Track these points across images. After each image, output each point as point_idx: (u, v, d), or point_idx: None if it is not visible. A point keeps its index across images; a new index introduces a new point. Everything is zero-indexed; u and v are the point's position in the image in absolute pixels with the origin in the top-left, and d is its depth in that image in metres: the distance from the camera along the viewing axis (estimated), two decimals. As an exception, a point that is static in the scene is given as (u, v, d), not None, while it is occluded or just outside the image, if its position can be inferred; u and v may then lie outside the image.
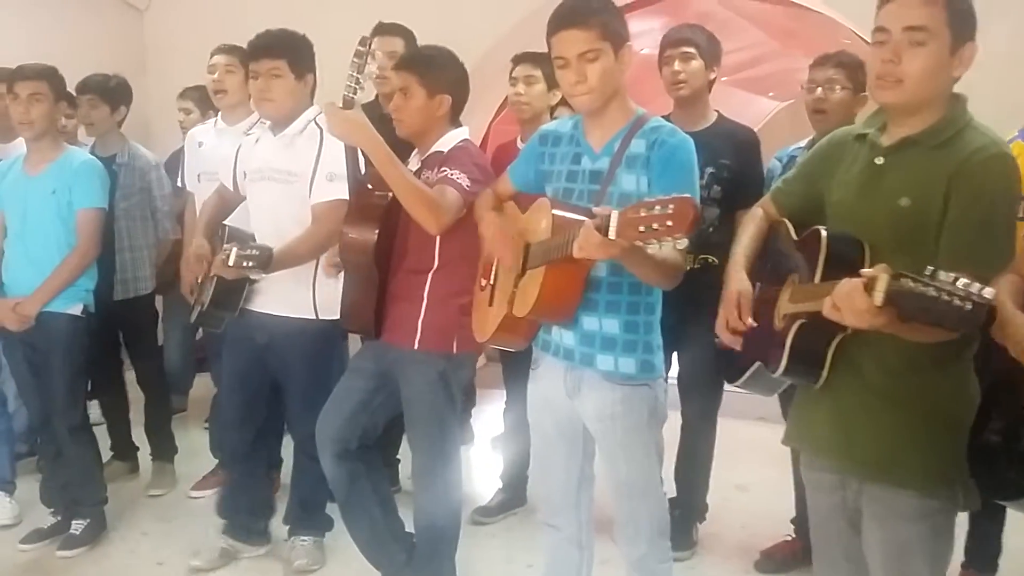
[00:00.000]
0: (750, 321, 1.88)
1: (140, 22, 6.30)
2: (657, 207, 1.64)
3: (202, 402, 4.88)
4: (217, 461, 3.91)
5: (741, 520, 3.60)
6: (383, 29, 3.55)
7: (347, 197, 2.84)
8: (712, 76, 3.11)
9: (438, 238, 2.56)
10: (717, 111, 3.19)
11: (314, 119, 2.94)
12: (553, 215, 2.05)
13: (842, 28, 4.89)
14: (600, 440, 2.20)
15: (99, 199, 3.23)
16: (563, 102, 3.66)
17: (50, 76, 3.15)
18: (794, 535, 3.21)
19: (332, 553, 3.24)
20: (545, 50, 2.14)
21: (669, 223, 1.62)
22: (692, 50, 3.04)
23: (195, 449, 4.21)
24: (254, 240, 2.89)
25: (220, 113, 3.72)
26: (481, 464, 4.19)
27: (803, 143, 3.08)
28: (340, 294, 2.95)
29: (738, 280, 1.95)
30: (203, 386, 5.00)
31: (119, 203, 3.61)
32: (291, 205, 2.90)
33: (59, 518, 3.40)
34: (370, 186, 2.59)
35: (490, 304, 2.34)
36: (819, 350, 1.69)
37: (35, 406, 3.32)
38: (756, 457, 4.13)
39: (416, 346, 2.62)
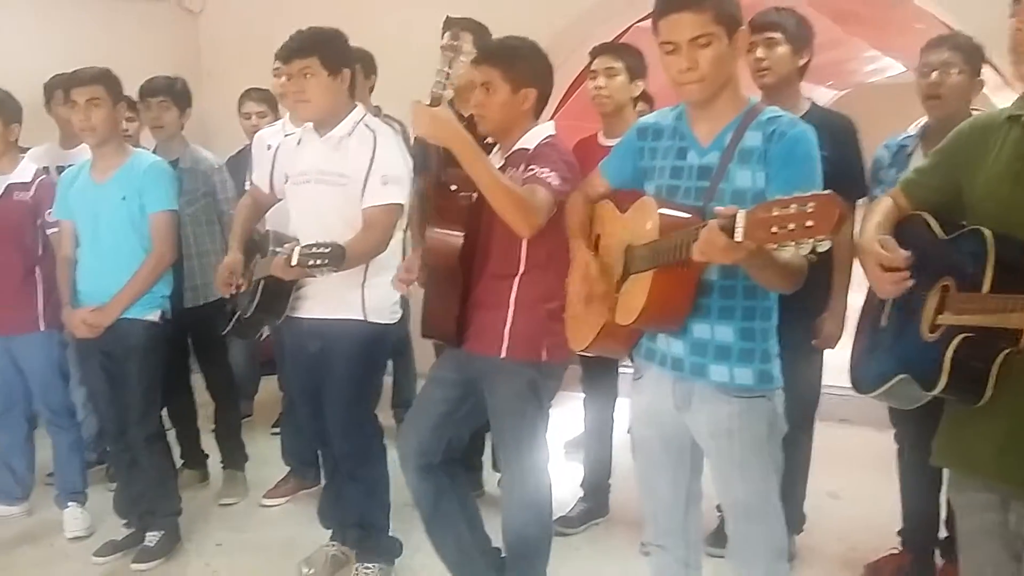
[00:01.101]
0: (904, 254, 1.70)
1: (195, 25, 6.28)
2: (793, 205, 1.48)
3: (267, 407, 4.83)
4: (289, 469, 3.84)
5: (838, 530, 3.41)
6: (451, 23, 3.41)
7: (402, 202, 2.78)
8: (802, 62, 2.92)
9: (524, 240, 2.43)
10: (810, 99, 3.00)
11: (362, 120, 2.85)
12: (660, 215, 1.90)
13: (916, 10, 4.63)
14: (714, 458, 2.05)
15: (170, 201, 3.15)
16: (643, 96, 3.52)
17: (106, 79, 3.07)
18: (901, 548, 3.01)
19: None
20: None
21: (809, 223, 1.46)
22: (777, 35, 2.86)
23: (263, 456, 4.13)
24: (299, 243, 2.78)
25: (288, 115, 3.63)
26: (557, 470, 4.04)
27: (912, 130, 2.88)
28: (389, 297, 2.89)
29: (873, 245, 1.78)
30: (268, 390, 4.95)
31: (184, 209, 3.53)
32: (341, 208, 2.80)
33: (132, 529, 3.34)
34: (454, 187, 2.46)
35: (586, 310, 2.19)
36: (983, 367, 1.52)
37: (109, 415, 3.26)
38: (845, 462, 3.95)
39: (503, 355, 2.48)
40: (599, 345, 2.14)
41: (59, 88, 3.86)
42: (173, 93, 3.69)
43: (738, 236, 1.56)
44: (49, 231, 3.35)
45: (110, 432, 3.33)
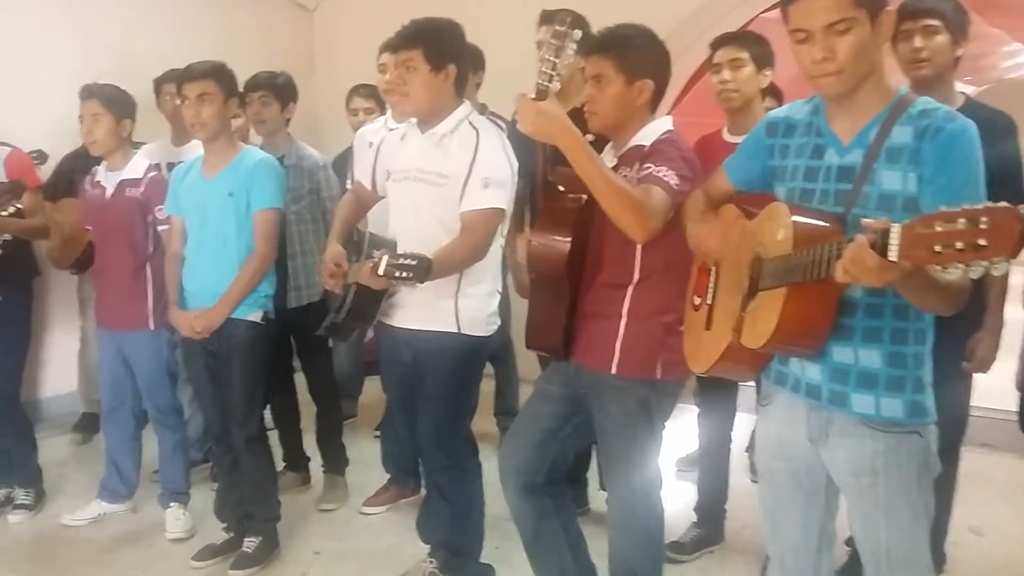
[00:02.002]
0: None
1: (310, 21, 6.32)
2: (962, 220, 1.24)
3: (371, 408, 4.76)
4: (389, 476, 3.75)
5: (981, 571, 3.07)
6: (549, 17, 3.24)
7: (504, 207, 2.62)
8: (959, 52, 2.61)
9: (639, 247, 2.23)
10: (964, 93, 2.69)
11: (467, 118, 2.70)
12: (794, 223, 1.67)
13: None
14: (854, 499, 1.79)
15: (276, 199, 3.08)
16: (771, 89, 3.26)
17: (217, 74, 3.01)
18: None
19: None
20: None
21: (982, 242, 1.21)
22: (936, 22, 2.55)
23: (365, 460, 4.06)
24: (396, 248, 2.68)
25: (390, 111, 3.52)
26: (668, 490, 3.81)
27: None
28: (485, 308, 2.75)
29: None
30: (373, 390, 4.88)
31: (289, 206, 3.46)
32: (439, 209, 2.67)
33: (232, 534, 3.29)
34: (561, 188, 2.27)
35: (707, 327, 1.97)
36: None
37: (213, 416, 3.22)
38: (987, 493, 3.59)
39: (613, 370, 2.29)
40: (722, 367, 1.92)
41: (169, 83, 3.88)
42: (274, 88, 3.63)
43: (892, 255, 1.33)
44: (160, 228, 3.33)
45: (213, 433, 3.29)
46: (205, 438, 3.86)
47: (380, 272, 2.30)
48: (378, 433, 4.43)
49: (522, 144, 2.65)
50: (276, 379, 3.61)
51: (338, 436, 3.92)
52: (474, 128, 2.68)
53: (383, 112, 4.30)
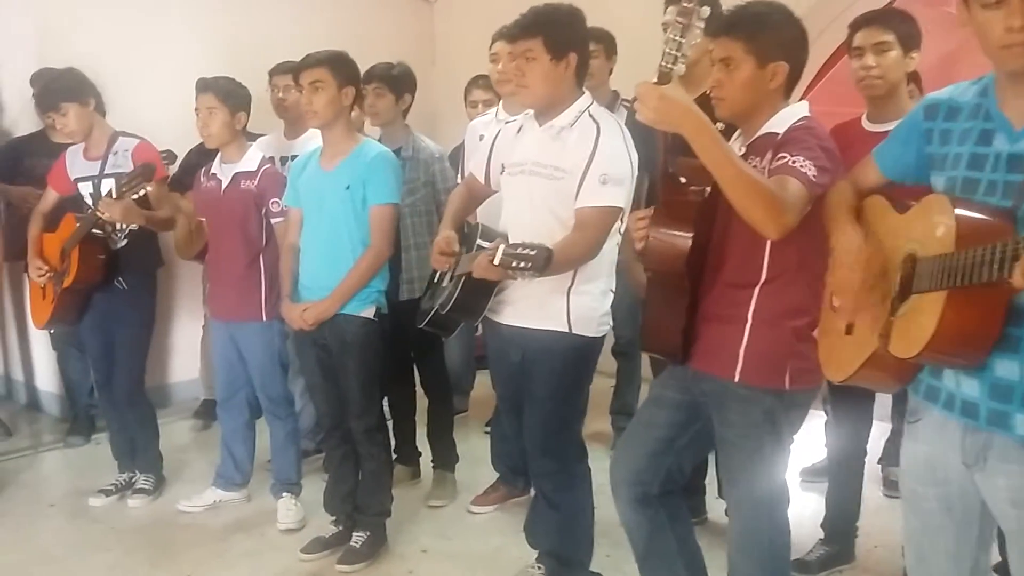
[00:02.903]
0: None
1: (430, 13, 6.29)
2: None
3: (483, 403, 4.69)
4: (498, 475, 3.66)
5: None
6: None
7: (621, 205, 2.50)
8: None
9: (768, 243, 2.04)
10: None
11: (587, 110, 2.56)
12: (957, 218, 1.46)
13: None
14: (1015, 531, 1.57)
15: (393, 194, 3.02)
16: (913, 75, 2.99)
17: (332, 62, 2.97)
18: None
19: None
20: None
21: None
22: None
23: (475, 456, 3.97)
24: (507, 240, 2.56)
25: (501, 103, 3.42)
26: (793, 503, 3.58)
27: None
28: (598, 307, 2.63)
29: None
30: (484, 384, 4.79)
31: (404, 198, 3.41)
32: (554, 204, 2.56)
33: (340, 527, 3.26)
34: (683, 179, 2.10)
35: (847, 332, 1.78)
36: None
37: (325, 410, 3.21)
38: None
39: (737, 378, 2.11)
40: (864, 376, 1.72)
41: (281, 75, 3.88)
42: (388, 79, 3.57)
43: None
44: (274, 220, 3.34)
45: (325, 425, 3.27)
46: (317, 428, 3.85)
47: (496, 261, 2.20)
48: (488, 429, 4.37)
49: (641, 134, 2.50)
50: (394, 370, 3.59)
51: (449, 431, 3.86)
52: (595, 121, 2.55)
53: (495, 106, 4.27)
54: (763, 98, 2.11)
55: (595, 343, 2.67)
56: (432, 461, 3.85)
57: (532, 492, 3.52)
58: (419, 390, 3.87)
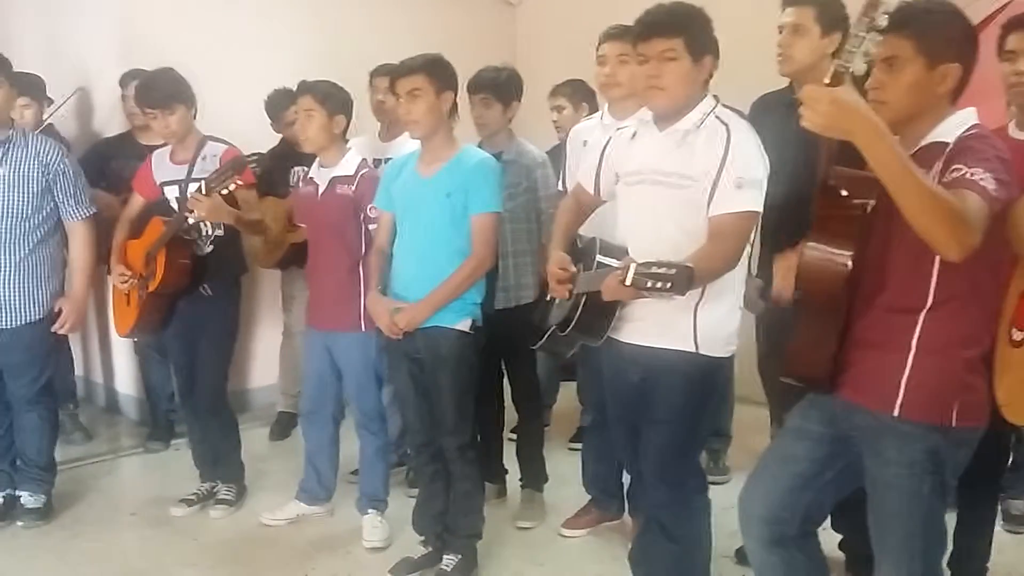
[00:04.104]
0: None
1: (512, 16, 6.17)
2: None
3: (565, 417, 4.53)
4: (591, 497, 3.48)
5: None
6: None
7: (759, 209, 2.32)
8: None
9: (937, 266, 1.84)
10: None
11: (713, 112, 2.39)
12: None
13: None
14: None
15: (496, 202, 2.87)
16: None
17: (429, 68, 2.82)
18: None
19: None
20: None
21: None
22: None
23: (560, 473, 3.81)
24: (627, 254, 2.40)
25: (607, 107, 3.25)
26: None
27: None
28: (726, 325, 2.45)
29: None
30: (566, 397, 4.64)
31: (504, 204, 3.24)
32: (681, 215, 2.38)
33: (429, 548, 3.12)
34: (844, 192, 1.90)
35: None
36: None
37: (416, 426, 3.06)
38: None
39: (896, 412, 1.90)
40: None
41: (381, 76, 3.77)
42: (496, 87, 3.41)
43: None
44: (371, 227, 3.22)
45: (415, 442, 3.14)
46: (401, 440, 3.75)
47: (628, 282, 2.02)
48: (573, 446, 4.22)
49: (781, 142, 2.32)
50: (483, 384, 3.44)
51: (539, 449, 3.70)
52: (723, 123, 2.37)
53: (579, 110, 4.13)
54: (929, 102, 1.90)
55: (722, 364, 2.49)
56: (520, 480, 3.70)
57: (627, 517, 3.38)
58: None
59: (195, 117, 3.51)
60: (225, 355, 3.64)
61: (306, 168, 3.48)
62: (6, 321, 3.37)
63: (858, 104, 1.67)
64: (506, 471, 3.75)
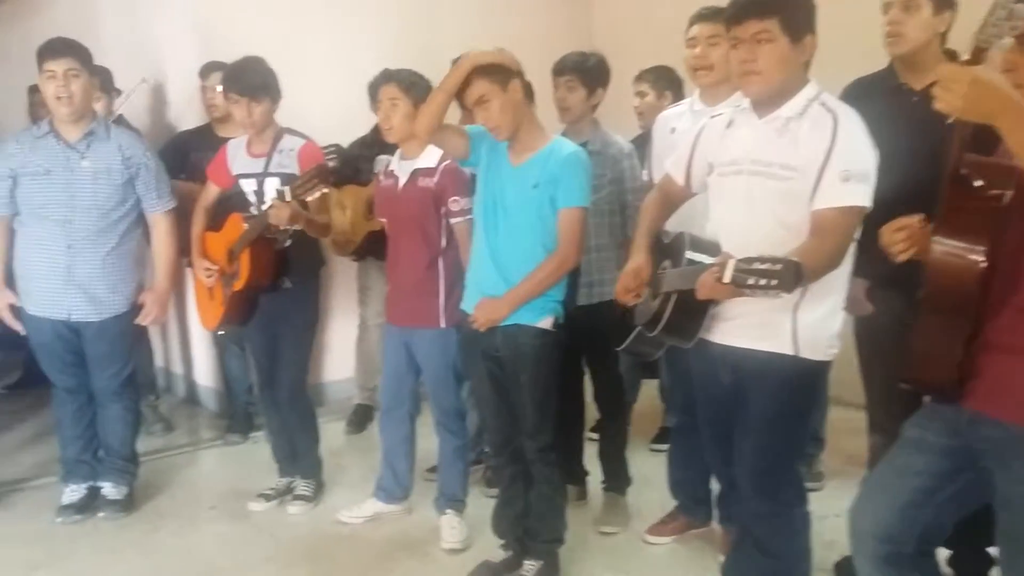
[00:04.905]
0: None
1: (588, 4, 6.04)
2: None
3: (647, 417, 4.38)
4: (677, 503, 3.34)
5: None
6: None
7: (866, 204, 2.15)
8: None
9: (1079, 262, 1.65)
10: None
11: (817, 99, 2.23)
12: None
13: None
14: None
15: (585, 197, 2.74)
16: None
17: (486, 72, 2.68)
18: None
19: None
20: None
21: None
22: None
23: (643, 475, 3.66)
24: (720, 249, 2.26)
25: (697, 93, 3.09)
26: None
27: None
28: (828, 327, 2.28)
29: None
30: (647, 395, 4.48)
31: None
32: (780, 206, 2.23)
33: (510, 552, 3.02)
34: (978, 181, 1.73)
35: None
36: None
37: (494, 425, 2.97)
38: None
39: (1032, 424, 1.72)
40: None
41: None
42: (582, 71, 3.28)
43: None
44: (453, 220, 3.13)
45: (494, 442, 3.05)
46: (479, 438, 3.67)
47: (727, 279, 1.87)
48: (656, 447, 4.09)
49: (883, 130, 2.16)
50: (564, 380, 3.33)
51: (622, 450, 3.56)
52: (828, 110, 2.21)
53: (661, 99, 3.98)
54: None
55: (822, 368, 2.34)
56: (603, 482, 3.56)
57: (715, 525, 3.23)
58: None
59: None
60: (305, 347, 3.60)
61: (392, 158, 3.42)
62: (92, 314, 3.39)
63: (1001, 84, 1.51)
64: (587, 473, 3.63)
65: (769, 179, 2.25)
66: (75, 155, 3.31)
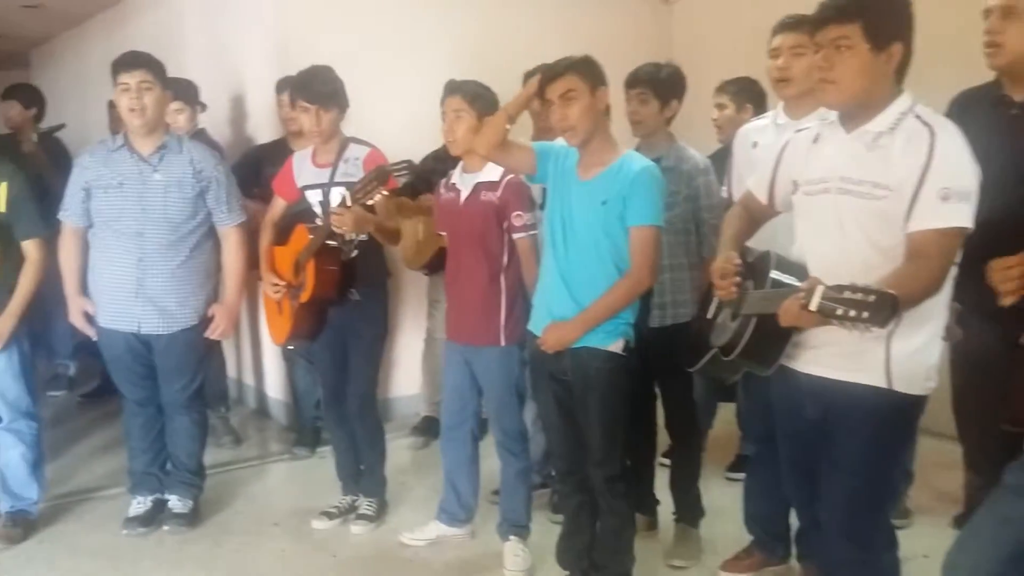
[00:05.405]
0: None
1: (669, 15, 5.91)
2: None
3: (722, 443, 4.20)
4: (753, 538, 3.15)
5: None
6: None
7: (968, 225, 1.98)
8: None
9: None
10: None
11: (911, 111, 2.07)
12: None
13: None
14: None
15: (657, 215, 2.62)
16: None
17: (582, 67, 2.60)
18: None
19: None
20: None
21: None
22: None
23: (718, 506, 3.49)
24: (807, 273, 2.11)
25: (781, 105, 2.94)
26: None
27: None
28: (925, 359, 2.12)
29: None
30: (724, 419, 4.30)
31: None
32: (872, 227, 2.08)
33: (575, 586, 2.90)
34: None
35: None
36: None
37: (562, 451, 2.86)
38: None
39: None
40: None
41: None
42: (655, 83, 3.15)
43: None
44: (515, 236, 3.06)
45: (560, 469, 2.95)
46: (545, 461, 3.56)
47: (813, 307, 1.73)
48: (732, 475, 3.91)
49: (989, 146, 1.99)
50: (635, 406, 3.19)
51: (695, 480, 3.39)
52: (924, 123, 2.05)
53: (742, 111, 3.85)
54: None
55: (919, 403, 2.16)
56: (674, 513, 3.40)
57: (794, 562, 3.05)
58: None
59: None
60: (375, 360, 3.56)
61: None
62: (161, 327, 3.40)
63: None
64: (658, 502, 3.47)
65: (859, 198, 2.09)
66: (148, 168, 3.33)
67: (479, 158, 3.06)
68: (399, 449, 4.39)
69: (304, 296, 3.34)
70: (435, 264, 4.16)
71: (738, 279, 2.24)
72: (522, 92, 2.68)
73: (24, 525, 3.50)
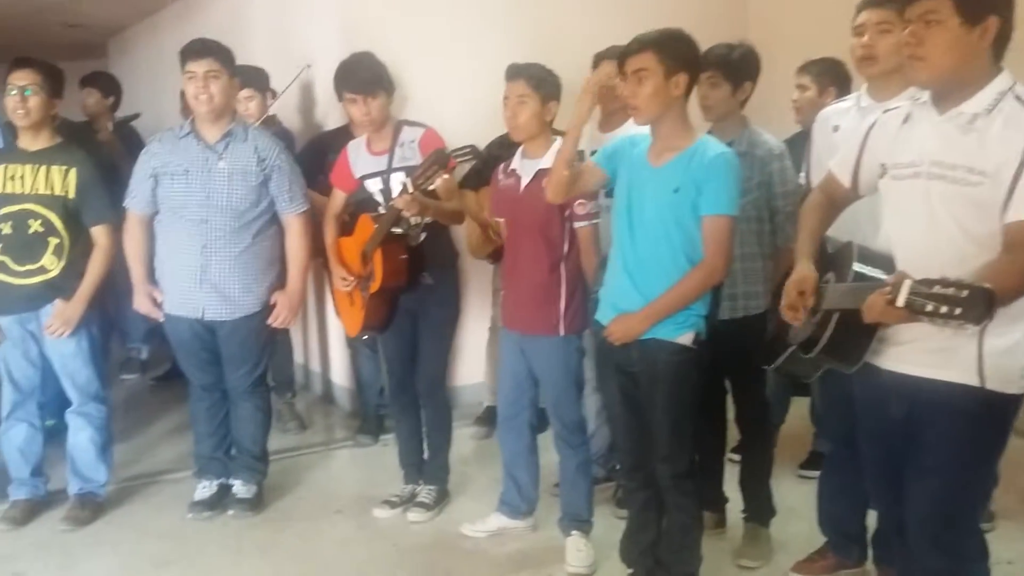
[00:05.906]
0: None
1: (745, -5, 5.71)
2: None
3: (795, 439, 4.05)
4: (827, 540, 3.01)
5: None
6: None
7: None
8: None
9: None
10: None
11: (1011, 91, 1.93)
12: None
13: None
14: None
15: (733, 204, 2.51)
16: None
17: (660, 45, 2.49)
18: None
19: None
20: None
21: None
22: None
23: (789, 505, 3.38)
24: (892, 265, 2.00)
25: (865, 87, 2.79)
26: None
27: None
28: (1021, 356, 1.97)
29: None
30: (796, 415, 4.14)
31: (734, 201, 2.88)
32: (966, 216, 1.95)
33: (638, 584, 2.81)
34: None
35: None
36: None
37: (627, 446, 2.79)
38: None
39: None
40: None
41: (609, 60, 3.48)
42: (726, 66, 3.01)
43: None
44: (577, 224, 2.98)
45: (626, 464, 2.86)
46: (610, 455, 3.49)
47: (900, 303, 1.62)
48: (805, 473, 3.77)
49: None
50: (704, 399, 3.08)
51: (767, 478, 3.27)
52: None
53: (823, 95, 3.67)
54: None
55: (1014, 402, 2.03)
56: (743, 511, 3.29)
57: (870, 566, 2.91)
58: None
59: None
60: (447, 342, 3.55)
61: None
62: (225, 313, 3.41)
63: None
64: (726, 499, 3.36)
65: (953, 184, 1.96)
66: (213, 156, 3.34)
67: (542, 143, 2.99)
68: (462, 439, 4.33)
69: (374, 286, 3.31)
70: (500, 253, 4.11)
71: (810, 297, 2.13)
72: (576, 112, 2.69)
73: (92, 507, 3.57)
